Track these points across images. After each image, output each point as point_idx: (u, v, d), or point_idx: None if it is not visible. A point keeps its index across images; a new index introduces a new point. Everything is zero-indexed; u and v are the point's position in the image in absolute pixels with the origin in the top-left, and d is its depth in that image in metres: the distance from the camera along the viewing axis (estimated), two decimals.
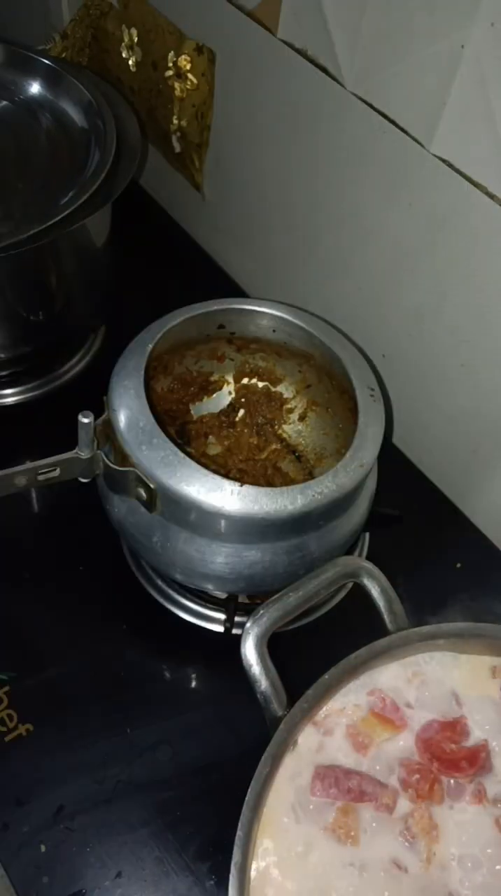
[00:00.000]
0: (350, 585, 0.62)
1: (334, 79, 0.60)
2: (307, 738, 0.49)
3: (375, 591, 0.51)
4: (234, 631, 0.62)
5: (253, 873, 0.44)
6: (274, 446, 0.68)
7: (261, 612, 0.48)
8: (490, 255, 0.56)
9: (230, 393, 0.69)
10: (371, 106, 0.59)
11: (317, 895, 0.44)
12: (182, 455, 0.51)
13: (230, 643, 0.54)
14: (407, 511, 0.68)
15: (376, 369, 0.71)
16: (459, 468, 0.72)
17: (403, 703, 0.50)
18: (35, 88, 0.72)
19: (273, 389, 0.68)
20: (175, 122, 0.81)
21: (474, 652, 0.51)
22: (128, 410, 0.52)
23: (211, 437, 0.68)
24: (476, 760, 0.48)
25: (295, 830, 0.46)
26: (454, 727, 0.49)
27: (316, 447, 0.68)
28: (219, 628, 0.63)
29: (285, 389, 0.68)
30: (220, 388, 0.68)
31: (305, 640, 0.62)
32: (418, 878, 0.45)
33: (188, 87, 0.77)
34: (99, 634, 0.63)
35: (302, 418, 0.68)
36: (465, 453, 0.70)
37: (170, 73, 0.77)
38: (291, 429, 0.69)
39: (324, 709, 0.49)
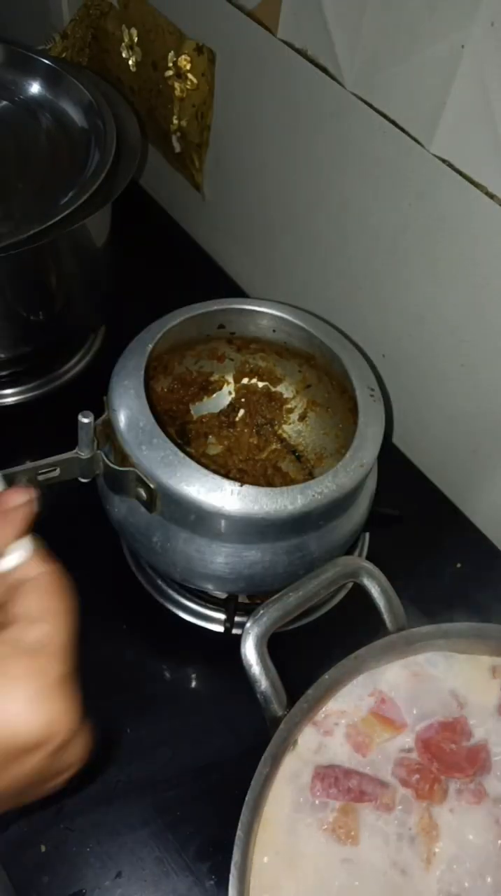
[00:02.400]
0: (350, 585, 0.62)
1: (334, 79, 0.60)
2: (307, 738, 0.49)
3: (375, 591, 0.51)
4: (234, 631, 0.62)
5: (253, 873, 0.44)
6: (274, 446, 0.68)
7: (261, 612, 0.48)
8: (491, 255, 0.56)
9: (230, 393, 0.69)
10: (371, 106, 0.59)
11: (317, 895, 0.44)
12: (182, 455, 0.51)
13: (230, 643, 0.54)
14: (407, 511, 0.68)
15: (376, 369, 0.71)
16: (459, 468, 0.72)
17: (403, 703, 0.50)
18: (35, 88, 0.72)
19: (273, 389, 0.68)
20: (175, 121, 0.81)
21: (474, 652, 0.51)
22: (128, 410, 0.52)
23: (211, 437, 0.68)
24: (476, 760, 0.48)
25: (294, 830, 0.46)
26: (454, 727, 0.49)
27: (316, 447, 0.68)
28: (219, 628, 0.63)
29: (285, 389, 0.68)
30: (220, 388, 0.68)
31: (305, 640, 0.62)
32: (418, 878, 0.45)
33: (188, 86, 0.77)
34: (99, 634, 0.63)
35: (302, 418, 0.68)
36: (465, 453, 0.70)
37: (170, 73, 0.77)
38: (291, 429, 0.69)
39: (324, 709, 0.49)
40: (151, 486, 0.51)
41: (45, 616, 0.30)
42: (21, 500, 0.33)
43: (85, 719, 0.31)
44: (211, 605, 0.64)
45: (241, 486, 0.50)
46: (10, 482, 0.51)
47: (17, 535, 0.32)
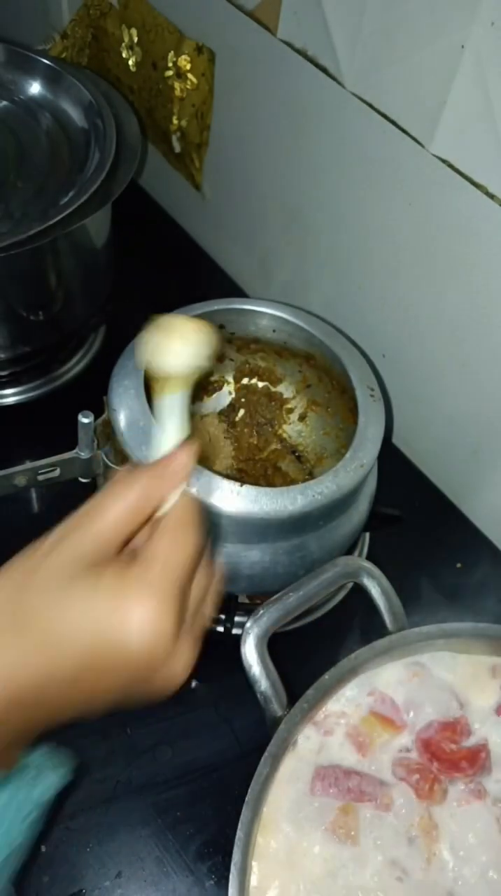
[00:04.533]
0: (350, 585, 0.62)
1: (334, 79, 0.60)
2: (307, 738, 0.49)
3: (375, 592, 0.51)
4: (234, 631, 0.62)
5: (253, 874, 0.44)
6: (274, 446, 0.68)
7: (261, 612, 0.48)
8: (490, 255, 0.56)
9: (230, 393, 0.69)
10: (371, 106, 0.59)
11: (317, 895, 0.44)
12: None
13: (230, 643, 0.54)
14: (407, 511, 0.68)
15: (376, 369, 0.71)
16: (459, 468, 0.72)
17: (403, 703, 0.50)
18: (35, 88, 0.72)
19: (273, 389, 0.68)
20: (175, 121, 0.81)
21: (474, 652, 0.51)
22: (128, 410, 0.52)
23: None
24: (476, 760, 0.48)
25: (295, 830, 0.46)
26: (454, 727, 0.49)
27: (316, 447, 0.68)
28: (219, 628, 0.63)
29: (285, 389, 0.68)
30: (220, 388, 0.68)
31: (305, 640, 0.62)
32: (418, 878, 0.45)
33: (188, 86, 0.77)
34: None
35: (302, 418, 0.68)
36: (465, 453, 0.70)
37: (170, 72, 0.77)
38: (291, 429, 0.69)
39: (324, 709, 0.49)
40: None
41: (169, 557, 0.34)
42: (186, 460, 0.36)
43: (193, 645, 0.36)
44: None
45: (241, 486, 0.50)
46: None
47: (175, 489, 0.36)
